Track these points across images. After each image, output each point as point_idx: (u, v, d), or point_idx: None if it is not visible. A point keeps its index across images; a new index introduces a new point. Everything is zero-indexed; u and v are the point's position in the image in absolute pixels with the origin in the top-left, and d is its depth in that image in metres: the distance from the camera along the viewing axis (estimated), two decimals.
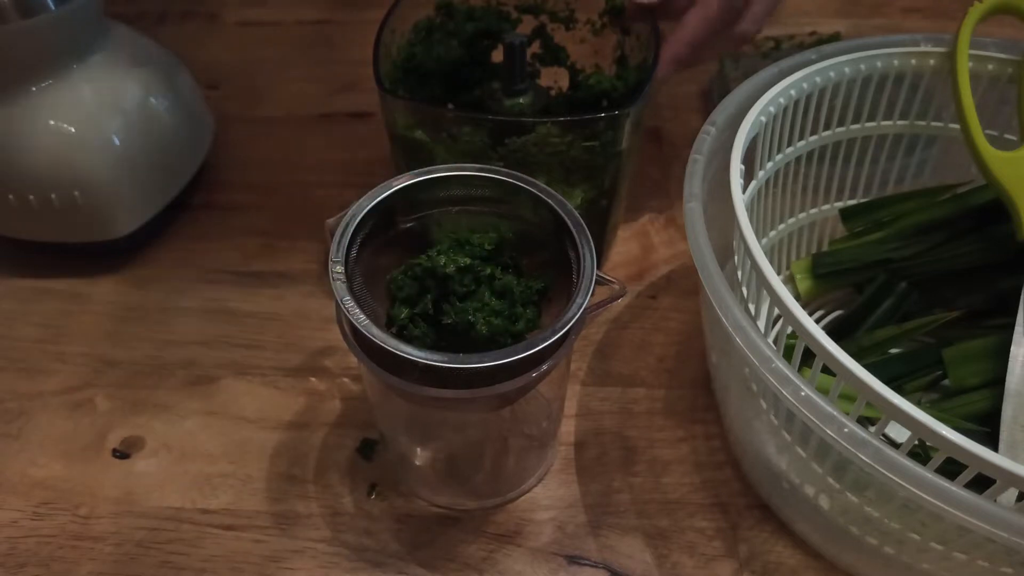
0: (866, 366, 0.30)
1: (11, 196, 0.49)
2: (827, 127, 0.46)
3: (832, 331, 0.45)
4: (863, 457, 0.29)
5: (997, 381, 0.40)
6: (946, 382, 0.43)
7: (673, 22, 0.49)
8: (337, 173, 0.60)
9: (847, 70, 0.44)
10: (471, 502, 0.42)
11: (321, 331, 0.50)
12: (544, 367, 0.34)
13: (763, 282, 0.34)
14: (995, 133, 0.45)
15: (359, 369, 0.47)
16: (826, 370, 0.32)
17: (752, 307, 0.40)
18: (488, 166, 0.38)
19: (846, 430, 0.30)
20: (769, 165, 0.45)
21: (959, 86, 0.43)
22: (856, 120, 0.47)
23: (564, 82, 0.54)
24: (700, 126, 0.41)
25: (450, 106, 0.51)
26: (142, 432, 0.45)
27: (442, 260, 0.36)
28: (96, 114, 0.49)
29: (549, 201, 0.37)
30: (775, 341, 0.43)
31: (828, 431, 0.30)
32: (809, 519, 0.40)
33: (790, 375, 0.31)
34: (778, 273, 0.49)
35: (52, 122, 0.48)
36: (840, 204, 0.50)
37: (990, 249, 0.44)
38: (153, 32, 0.55)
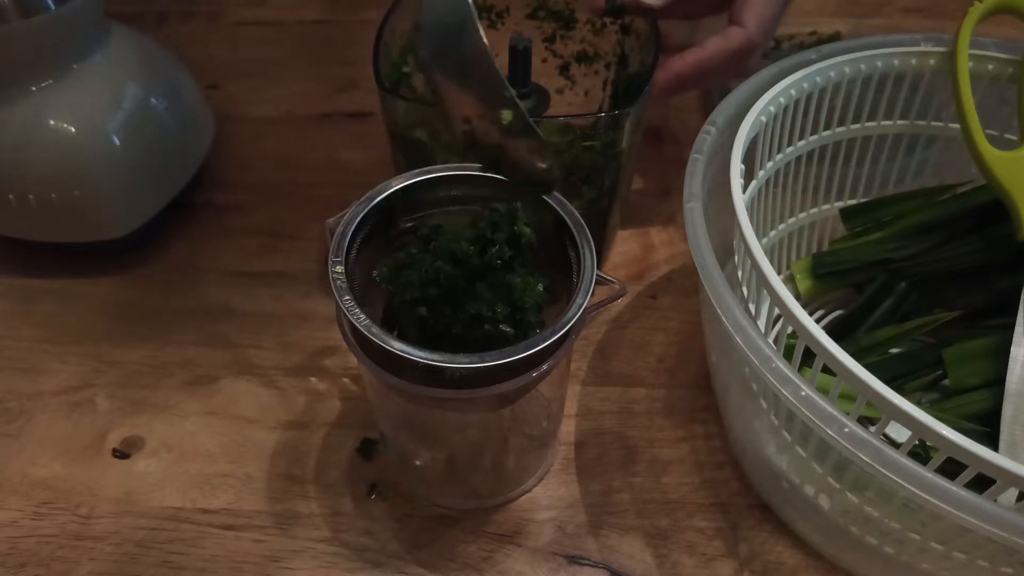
0: (866, 366, 0.30)
1: (11, 196, 0.49)
2: (827, 127, 0.46)
3: (832, 331, 0.45)
4: (863, 457, 0.29)
5: (997, 381, 0.40)
6: (946, 382, 0.43)
7: (682, 20, 0.49)
8: (337, 173, 0.60)
9: (847, 70, 0.44)
10: (471, 502, 0.42)
11: (321, 331, 0.50)
12: (544, 367, 0.34)
13: (763, 282, 0.34)
14: (995, 133, 0.45)
15: (359, 369, 0.47)
16: (826, 370, 0.32)
17: (752, 307, 0.40)
18: None
19: (846, 430, 0.30)
20: (769, 165, 0.45)
21: (959, 86, 0.43)
22: (856, 120, 0.47)
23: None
24: (700, 126, 0.41)
25: None
26: (142, 432, 0.45)
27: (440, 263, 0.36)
28: (96, 114, 0.49)
29: (549, 201, 0.37)
30: (775, 341, 0.43)
31: (828, 431, 0.30)
32: (809, 519, 0.40)
33: (790, 375, 0.31)
34: (778, 273, 0.49)
35: (52, 122, 0.48)
36: (840, 204, 0.50)
37: (990, 249, 0.44)
38: (153, 32, 0.55)
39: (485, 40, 0.32)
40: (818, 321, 0.48)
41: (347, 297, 0.33)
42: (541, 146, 0.34)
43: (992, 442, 0.38)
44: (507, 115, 0.33)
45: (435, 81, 0.34)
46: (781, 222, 0.49)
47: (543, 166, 0.35)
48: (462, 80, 0.34)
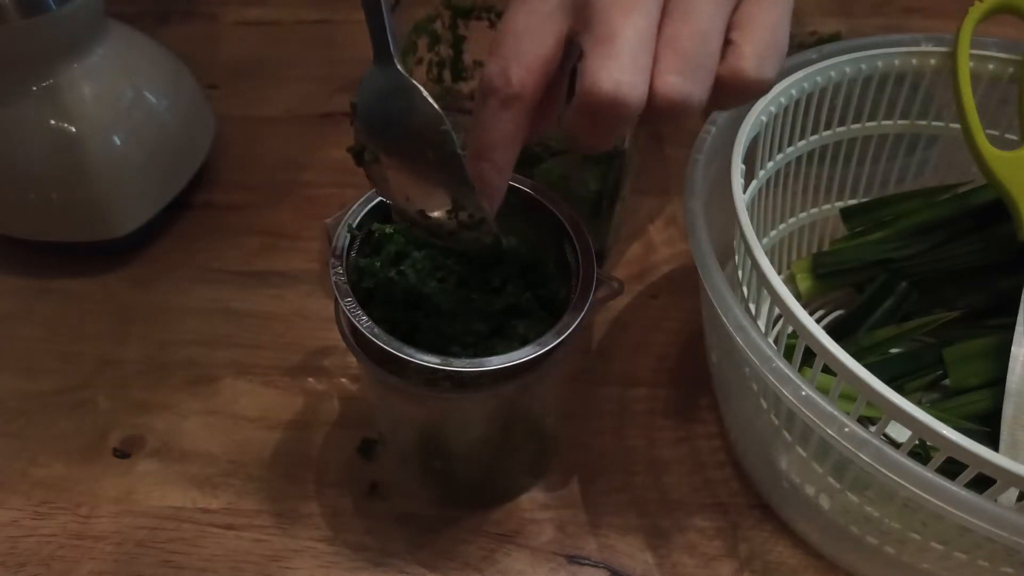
0: (866, 366, 0.30)
1: (11, 195, 0.49)
2: (827, 127, 0.46)
3: (832, 331, 0.44)
4: (864, 457, 0.29)
5: (997, 381, 0.40)
6: (946, 382, 0.43)
7: None
8: (337, 173, 0.60)
9: (847, 70, 0.44)
10: (471, 502, 0.42)
11: (321, 331, 0.50)
12: (545, 367, 0.34)
13: (764, 282, 0.34)
14: (996, 133, 0.45)
15: (359, 369, 0.47)
16: (826, 370, 0.32)
17: (752, 307, 0.40)
18: None
19: (847, 430, 0.30)
20: (770, 165, 0.45)
21: (960, 86, 0.43)
22: (857, 120, 0.47)
23: None
24: (700, 126, 0.41)
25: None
26: (142, 431, 0.45)
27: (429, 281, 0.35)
28: (96, 114, 0.49)
29: (548, 204, 0.37)
30: (776, 341, 0.43)
31: (829, 431, 0.30)
32: (809, 519, 0.40)
33: (791, 375, 0.31)
34: (779, 273, 0.49)
35: (52, 122, 0.48)
36: (841, 204, 0.50)
37: (990, 249, 0.44)
38: (154, 32, 0.55)
39: (437, 108, 0.28)
40: (818, 321, 0.48)
41: (348, 298, 0.33)
42: (493, 231, 0.32)
43: (992, 442, 0.38)
44: (463, 215, 0.31)
45: (378, 170, 0.31)
46: (781, 222, 0.49)
47: (488, 242, 0.33)
48: (412, 163, 0.30)
